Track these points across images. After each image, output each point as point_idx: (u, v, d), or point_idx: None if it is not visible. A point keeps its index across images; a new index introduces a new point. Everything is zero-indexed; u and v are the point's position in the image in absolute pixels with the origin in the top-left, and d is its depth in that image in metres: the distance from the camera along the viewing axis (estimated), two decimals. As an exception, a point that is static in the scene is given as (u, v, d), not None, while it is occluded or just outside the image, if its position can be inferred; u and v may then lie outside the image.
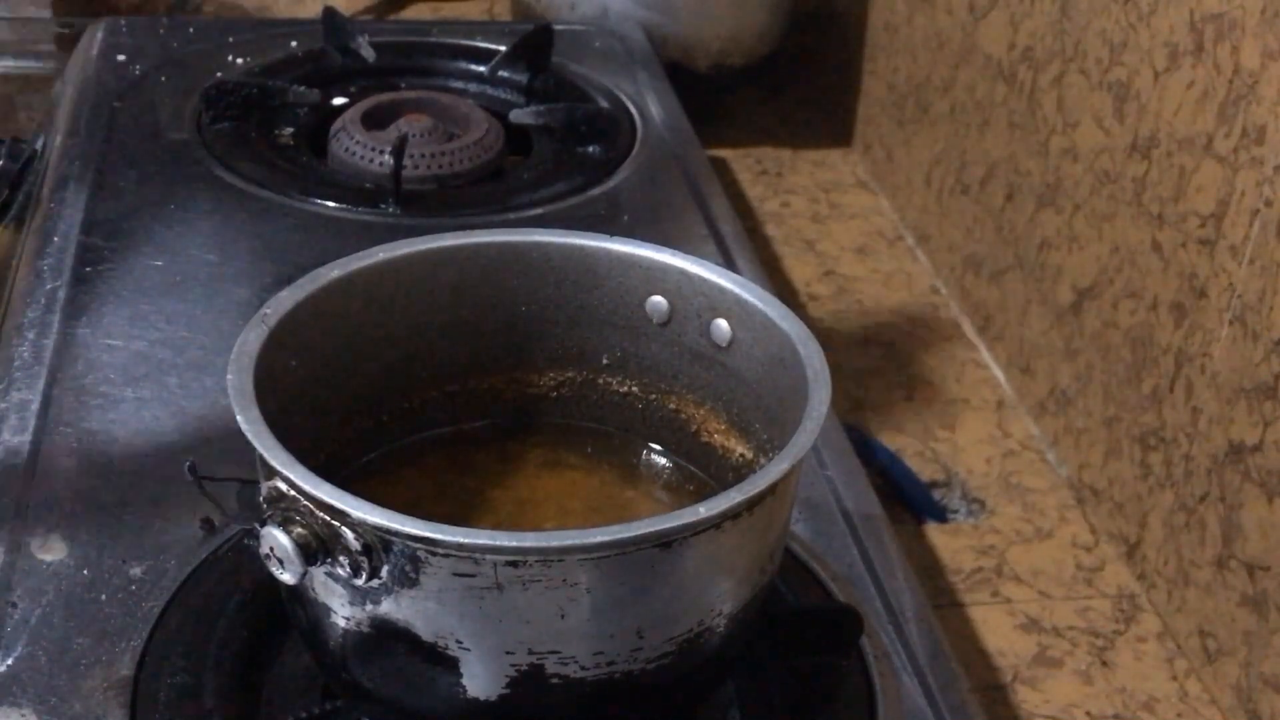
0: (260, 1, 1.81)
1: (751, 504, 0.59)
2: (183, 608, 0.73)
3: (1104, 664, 1.01)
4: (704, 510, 0.58)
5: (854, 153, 1.66)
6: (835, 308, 1.38)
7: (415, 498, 0.73)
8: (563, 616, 0.58)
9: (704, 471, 0.75)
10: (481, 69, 1.31)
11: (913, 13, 1.50)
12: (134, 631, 0.71)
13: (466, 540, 0.56)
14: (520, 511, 0.73)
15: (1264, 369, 0.93)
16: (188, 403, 0.87)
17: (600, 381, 0.77)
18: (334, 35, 1.31)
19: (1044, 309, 1.23)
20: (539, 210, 1.10)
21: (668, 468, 0.77)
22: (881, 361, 1.31)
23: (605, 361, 0.77)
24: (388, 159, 1.10)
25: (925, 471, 1.17)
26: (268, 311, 0.67)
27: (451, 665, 0.60)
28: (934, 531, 1.12)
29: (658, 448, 0.77)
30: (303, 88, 1.23)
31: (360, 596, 0.59)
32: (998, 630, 1.03)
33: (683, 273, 0.73)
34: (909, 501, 1.14)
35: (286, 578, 0.59)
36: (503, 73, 1.30)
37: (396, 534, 0.57)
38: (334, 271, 0.70)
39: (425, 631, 0.59)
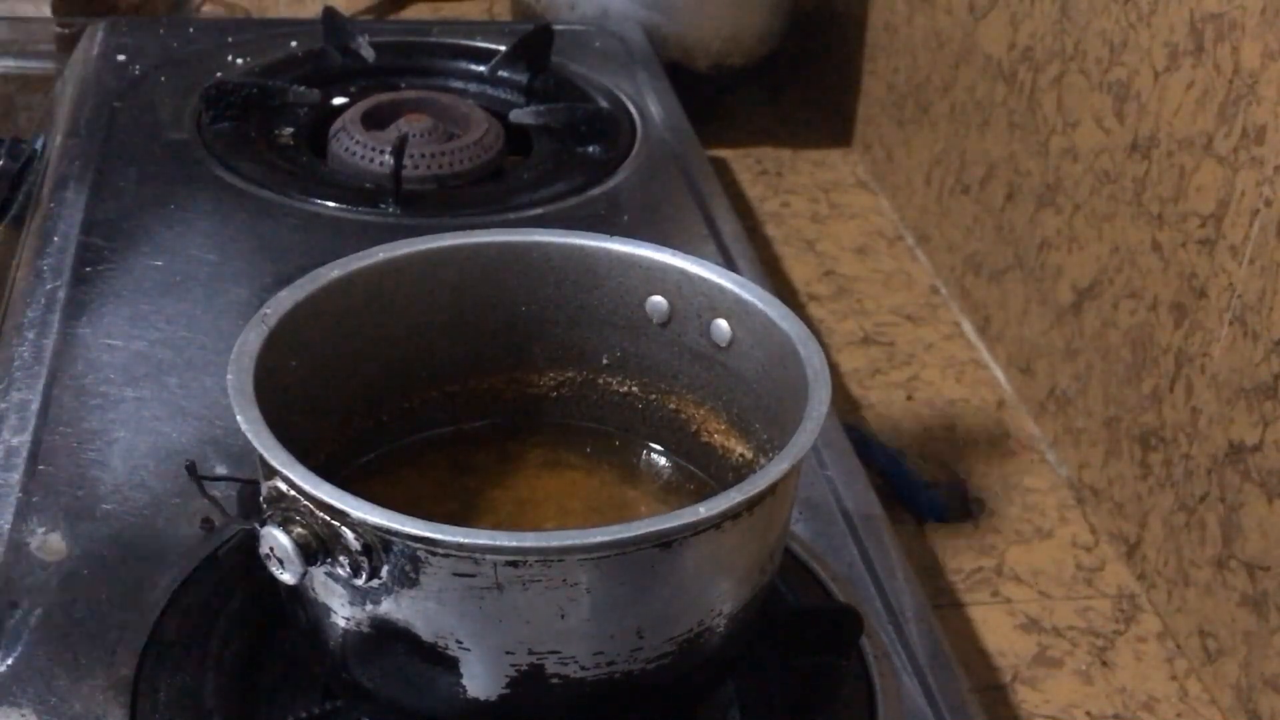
0: (260, 2, 1.81)
1: (751, 504, 0.59)
2: (183, 608, 0.73)
3: (1104, 664, 1.01)
4: (704, 510, 0.58)
5: (854, 153, 1.66)
6: (835, 308, 1.38)
7: (415, 498, 0.73)
8: (563, 616, 0.58)
9: (704, 471, 0.75)
10: (481, 69, 1.31)
11: (913, 13, 1.50)
12: (134, 631, 0.71)
13: (466, 540, 0.56)
14: (520, 511, 0.73)
15: (1264, 369, 0.93)
16: (188, 403, 0.87)
17: (600, 381, 0.77)
18: (334, 35, 1.31)
19: (1044, 309, 1.23)
20: (539, 210, 1.10)
21: (668, 468, 0.77)
22: (881, 361, 1.31)
23: (605, 361, 0.77)
24: (388, 159, 1.10)
25: (925, 471, 1.17)
26: (268, 311, 0.67)
27: (451, 665, 0.60)
28: (934, 531, 1.12)
29: (658, 448, 0.77)
30: (303, 88, 1.23)
31: (360, 596, 0.59)
32: (998, 630, 1.03)
33: (683, 273, 0.73)
34: (909, 501, 1.14)
35: (286, 578, 0.59)
36: (503, 73, 1.30)
37: (396, 534, 0.57)
38: (334, 271, 0.70)
39: (425, 631, 0.59)
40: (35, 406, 0.85)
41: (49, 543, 0.76)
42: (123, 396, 0.87)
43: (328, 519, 0.57)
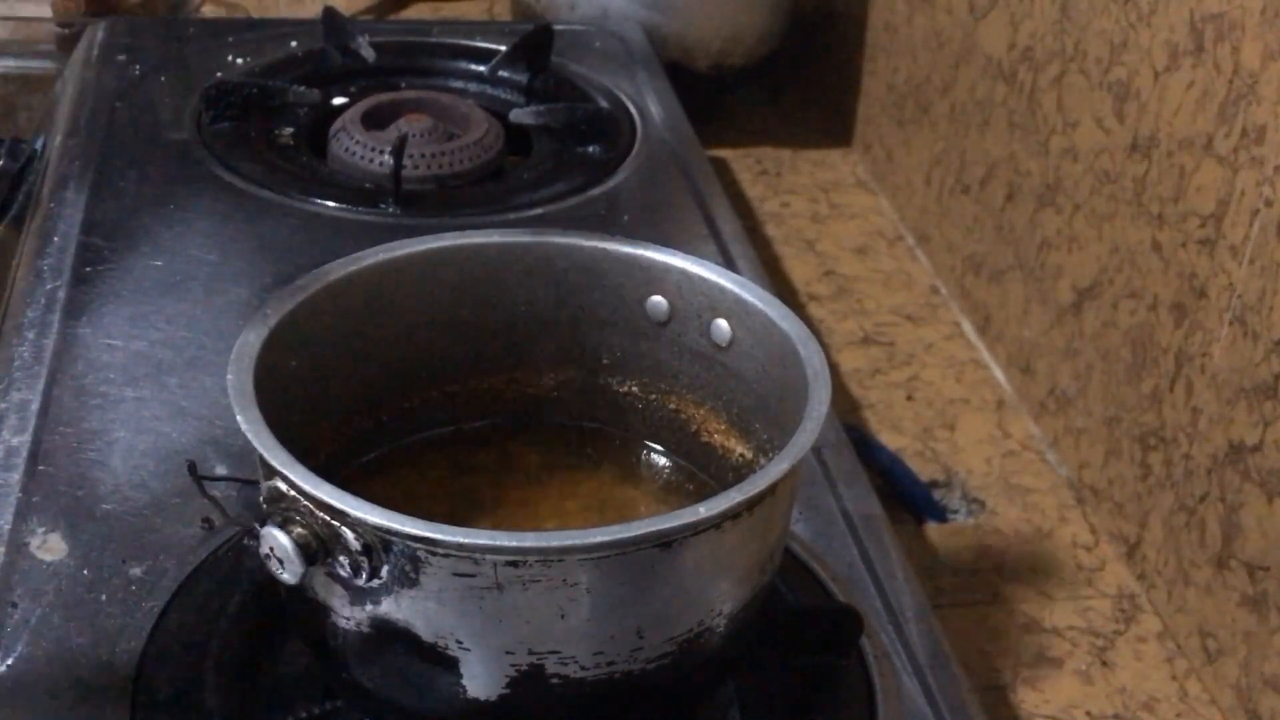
0: (260, 2, 1.81)
1: (751, 504, 0.59)
2: (183, 608, 0.73)
3: (1104, 664, 1.01)
4: (704, 510, 0.58)
5: (854, 153, 1.66)
6: (835, 308, 1.38)
7: (415, 498, 0.73)
8: (563, 616, 0.58)
9: (704, 471, 0.75)
10: (481, 69, 1.31)
11: (913, 13, 1.50)
12: (134, 631, 0.71)
13: (466, 540, 0.56)
14: (520, 511, 0.73)
15: (1264, 369, 0.93)
16: (188, 403, 0.87)
17: (600, 381, 0.77)
18: (334, 35, 1.31)
19: (1044, 309, 1.23)
20: (539, 210, 1.10)
21: (668, 468, 0.77)
22: (881, 361, 1.31)
23: (605, 361, 0.77)
24: (388, 159, 1.10)
25: (925, 471, 1.17)
26: (268, 311, 0.67)
27: (451, 665, 0.60)
28: (934, 531, 1.12)
29: (658, 448, 0.77)
30: (303, 88, 1.23)
31: (360, 596, 0.59)
32: (998, 630, 1.03)
33: (683, 273, 0.73)
34: (909, 501, 1.14)
35: (286, 578, 0.59)
36: (503, 73, 1.30)
37: (396, 534, 0.57)
38: (334, 271, 0.70)
39: (425, 631, 0.59)
40: (35, 406, 0.85)
41: (49, 543, 0.76)
42: (123, 396, 0.87)
43: (328, 519, 0.57)
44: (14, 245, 1.07)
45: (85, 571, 0.75)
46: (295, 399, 0.67)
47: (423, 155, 1.14)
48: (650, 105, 1.29)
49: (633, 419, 0.77)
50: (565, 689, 0.60)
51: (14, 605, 0.72)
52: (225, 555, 0.76)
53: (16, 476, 0.80)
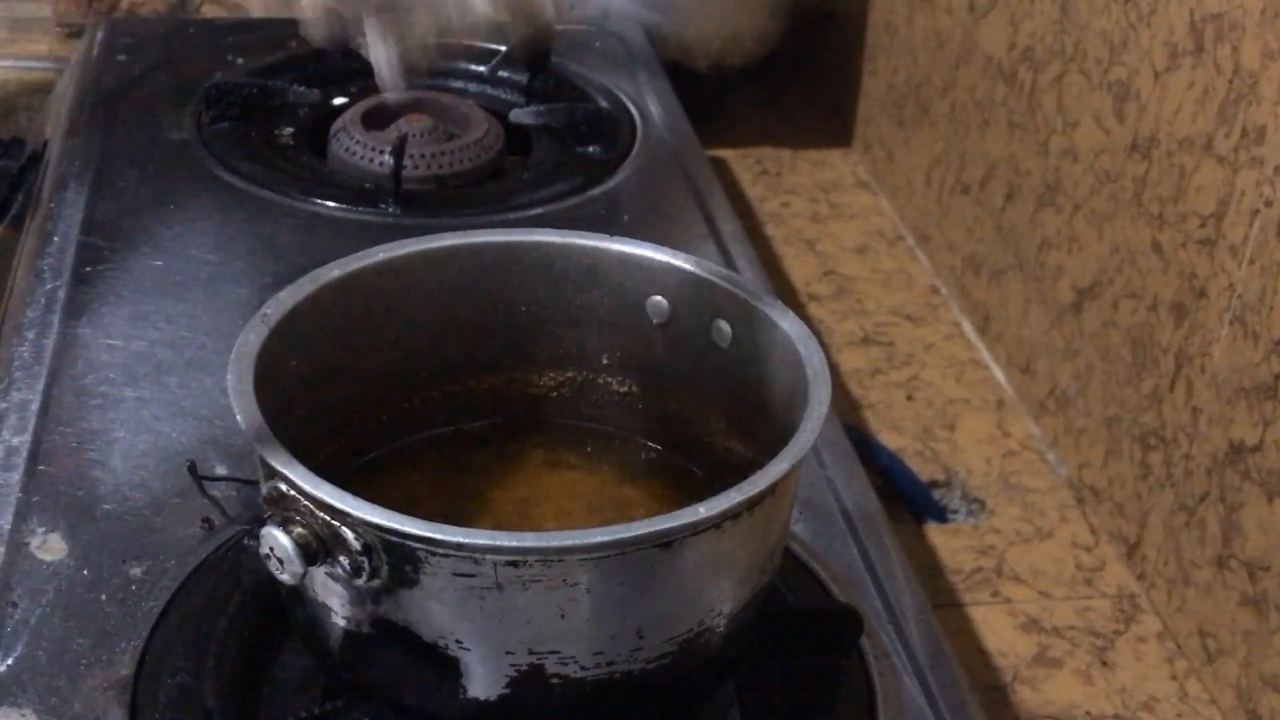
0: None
1: (751, 504, 0.59)
2: (183, 608, 0.73)
3: (1104, 664, 1.01)
4: (704, 510, 0.58)
5: (854, 153, 1.66)
6: (835, 308, 1.38)
7: (415, 498, 0.73)
8: (563, 616, 0.58)
9: (704, 471, 0.75)
10: (481, 69, 1.31)
11: (913, 13, 1.50)
12: (134, 631, 0.71)
13: (466, 540, 0.56)
14: (520, 511, 0.73)
15: (1264, 369, 0.93)
16: (188, 403, 0.87)
17: (600, 381, 0.77)
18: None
19: (1044, 309, 1.23)
20: (539, 210, 1.10)
21: (668, 468, 0.77)
22: (881, 361, 1.31)
23: (605, 361, 0.77)
24: (388, 159, 1.10)
25: (925, 471, 1.17)
26: (268, 311, 0.67)
27: (451, 665, 0.60)
28: (934, 531, 1.12)
29: (658, 448, 0.77)
30: (303, 88, 1.23)
31: (360, 596, 0.59)
32: (998, 630, 1.03)
33: (683, 273, 0.73)
34: (909, 501, 1.14)
35: (286, 578, 0.59)
36: (503, 73, 1.30)
37: (396, 534, 0.57)
38: (334, 271, 0.70)
39: (425, 631, 0.59)
40: (35, 406, 0.85)
41: (49, 543, 0.76)
42: (123, 396, 0.87)
43: (328, 519, 0.57)
44: (14, 245, 1.07)
45: (85, 571, 0.75)
46: (295, 399, 0.67)
47: (423, 155, 1.14)
48: (650, 105, 1.29)
49: (633, 419, 0.77)
50: (565, 689, 0.60)
51: (14, 605, 0.72)
52: (225, 555, 0.76)
53: (16, 476, 0.80)
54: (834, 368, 1.26)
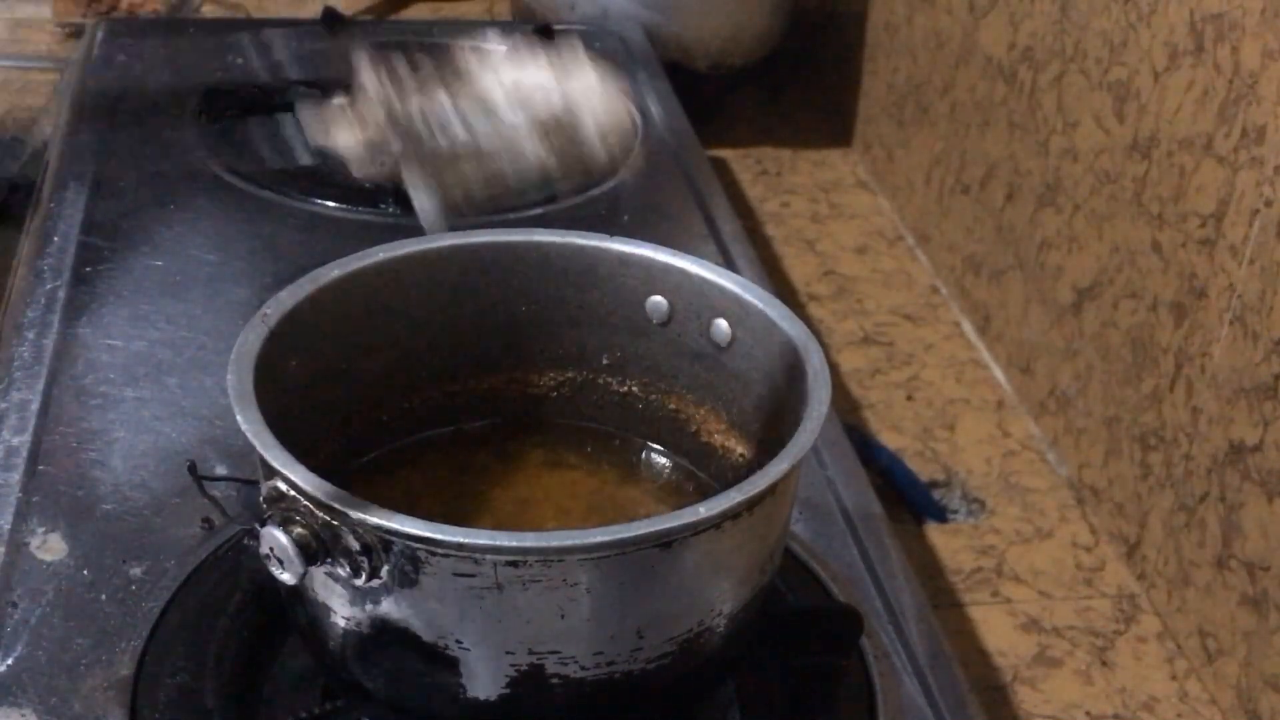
0: (260, 2, 1.81)
1: (751, 504, 0.59)
2: (183, 608, 0.73)
3: (1104, 664, 1.01)
4: (704, 510, 0.58)
5: (854, 153, 1.66)
6: (835, 308, 1.38)
7: (415, 498, 0.73)
8: (563, 616, 0.58)
9: (704, 471, 0.75)
10: (481, 69, 1.31)
11: (913, 13, 1.50)
12: (134, 631, 0.71)
13: (466, 540, 0.56)
14: (520, 511, 0.73)
15: (1264, 369, 0.93)
16: (188, 403, 0.87)
17: (600, 381, 0.77)
18: (334, 35, 1.31)
19: (1044, 309, 1.23)
20: (539, 210, 1.10)
21: (668, 468, 0.77)
22: (881, 361, 1.31)
23: (605, 361, 0.77)
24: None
25: (925, 471, 1.17)
26: (268, 311, 0.67)
27: (451, 665, 0.60)
28: (934, 531, 1.12)
29: (658, 448, 0.77)
30: (303, 88, 1.23)
31: (360, 596, 0.59)
32: (998, 630, 1.03)
33: (683, 273, 0.73)
34: (909, 501, 1.14)
35: (286, 578, 0.59)
36: (503, 73, 1.30)
37: (396, 534, 0.56)
38: (334, 271, 0.70)
39: (425, 631, 0.59)
40: (35, 406, 0.85)
41: (49, 543, 0.76)
42: (123, 396, 0.87)
43: (328, 519, 0.57)
44: (14, 245, 1.07)
45: (85, 571, 0.75)
46: (295, 399, 0.67)
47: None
48: (650, 105, 1.29)
49: (633, 419, 0.77)
50: (565, 689, 0.60)
51: (14, 605, 0.72)
52: (225, 555, 0.76)
53: (16, 476, 0.80)
54: (834, 368, 1.26)
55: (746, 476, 0.60)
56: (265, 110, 1.20)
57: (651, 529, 0.58)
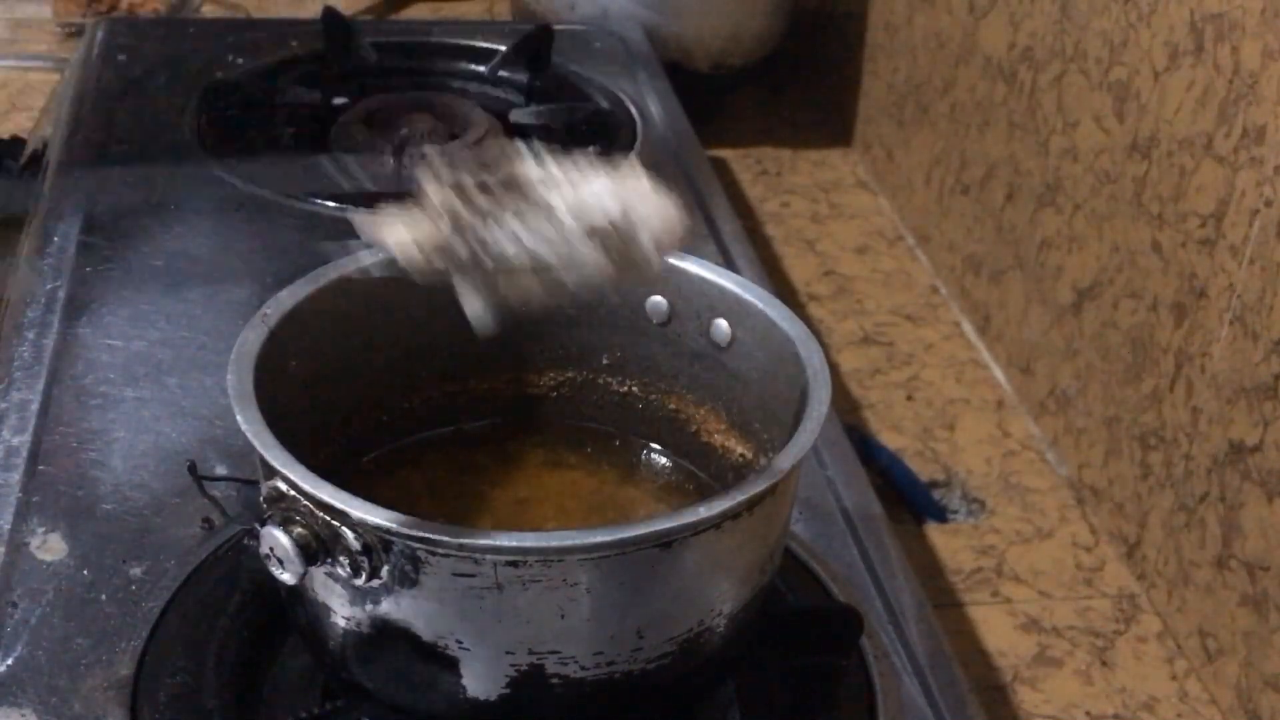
0: (260, 2, 1.81)
1: (751, 504, 0.59)
2: (183, 608, 0.73)
3: (1104, 664, 1.01)
4: (704, 510, 0.58)
5: (854, 153, 1.66)
6: (835, 308, 1.38)
7: (415, 498, 0.73)
8: (563, 616, 0.58)
9: (704, 471, 0.75)
10: (481, 69, 1.31)
11: (913, 13, 1.50)
12: (134, 631, 0.71)
13: (466, 540, 0.56)
14: (520, 511, 0.73)
15: (1264, 369, 0.93)
16: (188, 403, 0.87)
17: (600, 381, 0.77)
18: (334, 35, 1.31)
19: (1044, 309, 1.23)
20: (539, 210, 1.10)
21: (668, 468, 0.77)
22: (881, 361, 1.31)
23: (605, 361, 0.77)
24: (388, 159, 1.10)
25: (925, 471, 1.17)
26: (268, 311, 0.67)
27: (451, 665, 0.60)
28: (934, 531, 1.12)
29: (658, 448, 0.77)
30: (303, 88, 1.23)
31: (360, 596, 0.59)
32: (998, 630, 1.03)
33: (683, 273, 0.73)
34: (909, 501, 1.14)
35: (286, 578, 0.59)
36: (503, 73, 1.30)
37: (396, 534, 0.57)
38: (334, 271, 0.70)
39: (425, 631, 0.59)
40: (35, 406, 0.85)
41: (49, 543, 0.76)
42: (123, 396, 0.87)
43: (328, 519, 0.57)
44: (14, 245, 1.07)
45: (85, 571, 0.75)
46: (295, 399, 0.67)
47: (423, 155, 1.13)
48: (650, 105, 1.29)
49: (633, 419, 0.77)
50: (565, 689, 0.60)
51: (14, 605, 0.72)
52: (225, 555, 0.76)
53: (16, 476, 0.80)
54: (834, 368, 1.26)
55: (746, 476, 0.60)
56: (265, 110, 1.20)
57: (651, 529, 0.58)
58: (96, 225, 1.04)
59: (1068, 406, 1.18)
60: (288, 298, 0.68)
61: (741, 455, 0.73)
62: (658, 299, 0.74)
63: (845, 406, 1.23)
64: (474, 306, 0.56)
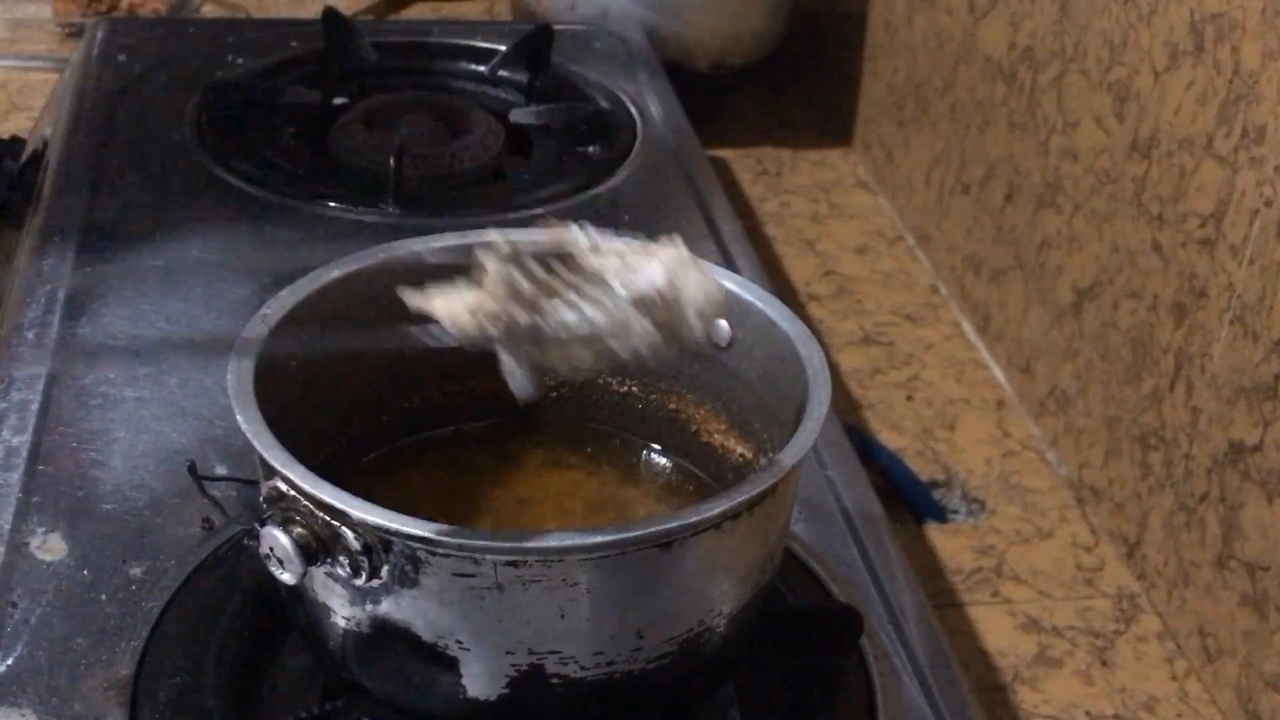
0: (260, 2, 1.81)
1: (751, 504, 0.59)
2: (183, 608, 0.73)
3: (1104, 664, 1.01)
4: (704, 510, 0.58)
5: (854, 153, 1.66)
6: (835, 308, 1.38)
7: (415, 498, 0.73)
8: (563, 616, 0.58)
9: (704, 471, 0.75)
10: (481, 69, 1.31)
11: (913, 13, 1.50)
12: (134, 631, 0.71)
13: (466, 540, 0.56)
14: (520, 511, 0.73)
15: (1264, 369, 0.93)
16: (188, 403, 0.87)
17: (600, 381, 0.77)
18: (334, 35, 1.31)
19: (1044, 309, 1.23)
20: (539, 210, 1.10)
21: (668, 468, 0.77)
22: (881, 361, 1.31)
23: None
24: (388, 159, 1.10)
25: (925, 471, 1.17)
26: (268, 311, 0.67)
27: (451, 665, 0.60)
28: (934, 531, 1.12)
29: (658, 448, 0.77)
30: (303, 88, 1.23)
31: (360, 596, 0.59)
32: (998, 630, 1.03)
33: (682, 273, 0.73)
34: (909, 501, 1.14)
35: (286, 578, 0.59)
36: (503, 73, 1.30)
37: (396, 534, 0.57)
38: (334, 271, 0.70)
39: (425, 631, 0.59)
40: (35, 406, 0.85)
41: (49, 543, 0.76)
42: (123, 396, 0.87)
43: (328, 519, 0.57)
44: (14, 245, 1.07)
45: (85, 571, 0.75)
46: (295, 399, 0.67)
47: (423, 155, 1.14)
48: (650, 105, 1.29)
49: (633, 419, 0.77)
50: (565, 689, 0.60)
51: (14, 605, 0.72)
52: (225, 555, 0.76)
53: (16, 476, 0.80)
54: (834, 368, 1.26)
55: (746, 476, 0.60)
56: (265, 110, 1.20)
57: (651, 529, 0.58)
58: (96, 225, 1.04)
59: (1068, 406, 1.18)
60: (288, 298, 0.68)
61: (741, 455, 0.73)
62: (658, 299, 0.74)
63: (845, 406, 1.23)
64: (516, 375, 0.57)
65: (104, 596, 0.73)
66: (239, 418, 0.60)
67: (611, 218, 1.11)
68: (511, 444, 0.77)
